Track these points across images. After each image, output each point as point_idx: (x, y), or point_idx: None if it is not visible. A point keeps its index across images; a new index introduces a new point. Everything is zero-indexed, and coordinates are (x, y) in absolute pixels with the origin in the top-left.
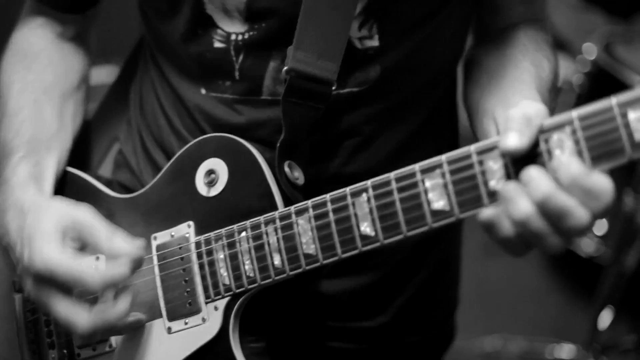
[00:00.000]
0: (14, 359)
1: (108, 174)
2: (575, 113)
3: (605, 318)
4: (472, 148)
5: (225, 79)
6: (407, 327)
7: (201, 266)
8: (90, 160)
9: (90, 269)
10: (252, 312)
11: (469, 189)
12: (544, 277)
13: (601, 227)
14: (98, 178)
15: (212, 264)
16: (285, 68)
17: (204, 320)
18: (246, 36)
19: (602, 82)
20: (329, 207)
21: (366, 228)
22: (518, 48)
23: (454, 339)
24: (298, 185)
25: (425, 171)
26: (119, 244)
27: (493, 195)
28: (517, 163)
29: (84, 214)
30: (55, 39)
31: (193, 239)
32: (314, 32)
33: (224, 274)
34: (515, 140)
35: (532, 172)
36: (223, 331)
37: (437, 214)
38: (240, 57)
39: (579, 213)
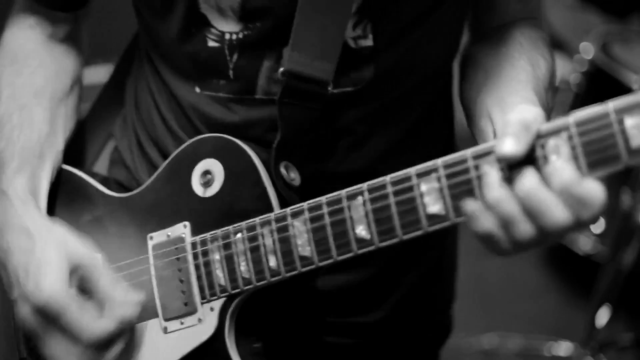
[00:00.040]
0: (11, 356)
1: (104, 171)
2: (572, 119)
3: (603, 316)
4: (469, 152)
5: (219, 78)
6: (404, 322)
7: (197, 267)
8: (85, 157)
9: (92, 321)
10: (248, 312)
11: (464, 194)
12: (542, 275)
13: (598, 225)
14: (93, 175)
15: (207, 264)
16: (282, 70)
17: (199, 320)
18: (240, 35)
19: (599, 82)
20: (325, 209)
21: (362, 231)
22: (514, 46)
23: (451, 333)
24: (294, 186)
25: (421, 175)
26: (119, 298)
27: None
28: (512, 168)
29: (91, 256)
30: (46, 40)
31: (189, 239)
32: (310, 33)
33: (220, 275)
34: (511, 146)
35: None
36: (219, 332)
37: (432, 218)
38: (235, 57)
39: (558, 212)
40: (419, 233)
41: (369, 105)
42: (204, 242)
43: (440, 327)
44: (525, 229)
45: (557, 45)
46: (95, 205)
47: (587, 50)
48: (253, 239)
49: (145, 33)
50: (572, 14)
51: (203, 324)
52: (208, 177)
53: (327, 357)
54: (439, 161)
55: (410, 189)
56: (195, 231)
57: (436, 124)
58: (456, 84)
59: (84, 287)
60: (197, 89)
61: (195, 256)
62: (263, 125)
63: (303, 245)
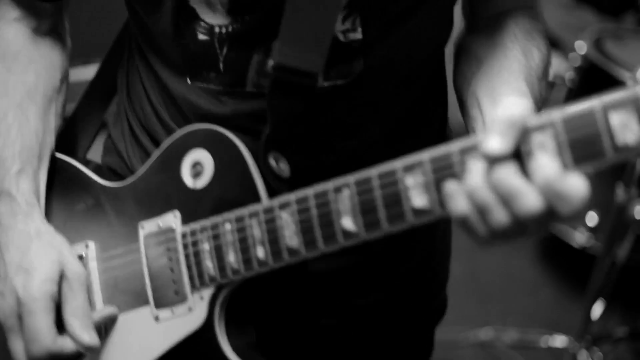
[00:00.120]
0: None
1: (97, 158)
2: (558, 114)
3: (597, 309)
4: (455, 147)
5: (210, 70)
6: (400, 304)
7: (187, 257)
8: (78, 144)
9: (49, 338)
10: (240, 302)
11: None
12: (537, 269)
13: (592, 219)
14: (87, 163)
15: (197, 254)
16: (271, 63)
17: (190, 309)
18: (230, 29)
19: (592, 77)
20: (312, 202)
21: (348, 224)
22: (508, 36)
23: (445, 312)
24: (283, 177)
25: (407, 169)
26: (75, 329)
27: None
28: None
29: (77, 272)
30: (32, 35)
31: (179, 229)
32: (299, 26)
33: (209, 265)
34: (497, 144)
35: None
36: (209, 321)
37: (418, 212)
38: (224, 50)
39: (531, 200)
40: (404, 226)
41: (360, 97)
42: (193, 233)
43: (435, 307)
44: (500, 216)
45: (553, 43)
46: (88, 194)
47: (582, 47)
48: (241, 230)
49: (136, 25)
50: (567, 13)
51: (193, 312)
52: (198, 168)
53: (322, 343)
54: (426, 155)
55: (396, 182)
56: (185, 221)
57: (428, 112)
58: (450, 72)
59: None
60: (188, 81)
61: (185, 246)
62: (253, 117)
63: (290, 236)
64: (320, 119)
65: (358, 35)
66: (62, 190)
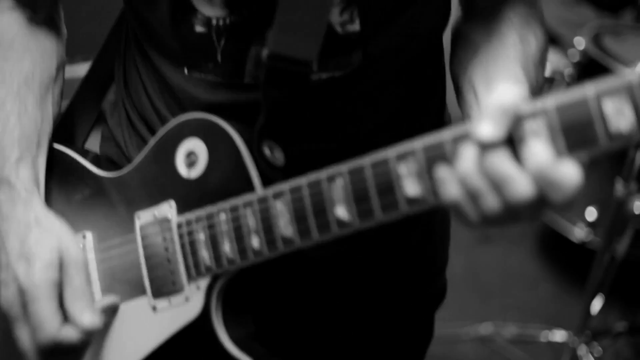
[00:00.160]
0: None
1: (96, 148)
2: (551, 101)
3: (597, 304)
4: (448, 135)
5: (207, 61)
6: (400, 288)
7: (183, 246)
8: (76, 134)
9: (54, 324)
10: (237, 292)
11: None
12: (537, 264)
13: (591, 214)
14: (85, 153)
15: (193, 244)
16: (266, 52)
17: (187, 299)
18: (227, 21)
19: (590, 72)
20: (306, 191)
21: (342, 213)
22: (505, 23)
23: (445, 296)
24: (278, 166)
25: (400, 158)
26: (76, 311)
27: None
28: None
29: (76, 256)
30: (28, 23)
31: (175, 219)
32: (294, 15)
33: (205, 255)
34: (489, 130)
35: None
36: (206, 310)
37: (411, 201)
38: (222, 42)
39: (522, 186)
40: (398, 215)
41: (359, 88)
42: (189, 223)
43: (435, 291)
44: (491, 202)
45: (552, 39)
46: (85, 184)
47: (581, 43)
48: (236, 219)
49: (133, 16)
50: (566, 9)
51: (190, 302)
52: (192, 157)
53: (321, 330)
54: (419, 143)
55: (389, 171)
56: (180, 210)
57: (426, 100)
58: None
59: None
60: (186, 71)
61: (180, 236)
62: (250, 107)
63: (285, 226)
64: (318, 110)
65: (356, 27)
66: (60, 181)
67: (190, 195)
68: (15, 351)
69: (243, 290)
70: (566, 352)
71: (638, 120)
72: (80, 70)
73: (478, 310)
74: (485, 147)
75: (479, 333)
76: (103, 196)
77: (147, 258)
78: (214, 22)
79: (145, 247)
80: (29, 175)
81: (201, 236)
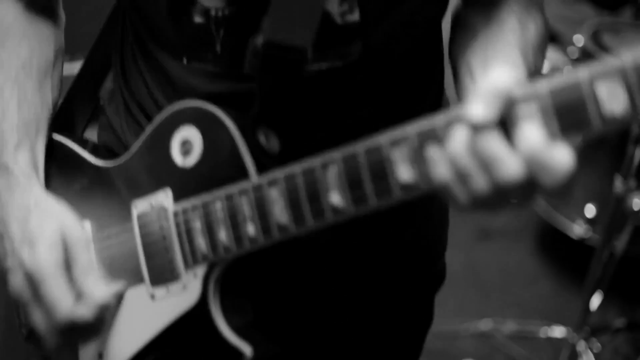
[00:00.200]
0: (11, 322)
1: (95, 136)
2: (544, 85)
3: (596, 301)
4: (441, 120)
5: (207, 52)
6: (400, 270)
7: (179, 235)
8: (75, 123)
9: (67, 301)
10: (235, 280)
11: None
12: (535, 260)
13: (590, 211)
14: (84, 143)
15: (189, 232)
16: (261, 40)
17: (184, 287)
18: (226, 12)
19: None
20: (300, 179)
21: (336, 200)
22: (504, 9)
23: (444, 280)
24: (273, 153)
25: (394, 143)
26: (88, 286)
27: None
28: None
29: (79, 235)
30: (25, 10)
31: (171, 208)
32: (289, 2)
33: (202, 243)
34: (480, 111)
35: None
36: (203, 298)
37: (405, 187)
38: (221, 33)
39: (511, 166)
40: (392, 201)
41: (358, 78)
42: (185, 211)
43: (434, 274)
44: (480, 182)
45: (551, 37)
46: (83, 174)
47: (580, 41)
48: (231, 207)
49: (131, 8)
50: (565, 7)
51: (187, 290)
52: (187, 145)
53: (321, 316)
54: (412, 129)
55: (383, 158)
56: (177, 198)
57: (424, 87)
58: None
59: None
60: (185, 61)
61: (177, 225)
62: (250, 97)
63: (280, 213)
64: (317, 100)
65: (355, 17)
66: (58, 171)
67: (186, 184)
68: (17, 339)
69: (241, 278)
70: (565, 348)
71: (632, 103)
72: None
73: (477, 307)
74: (476, 129)
75: (478, 329)
76: (101, 185)
77: (144, 246)
78: (212, 12)
79: (142, 236)
80: (27, 161)
81: (197, 224)
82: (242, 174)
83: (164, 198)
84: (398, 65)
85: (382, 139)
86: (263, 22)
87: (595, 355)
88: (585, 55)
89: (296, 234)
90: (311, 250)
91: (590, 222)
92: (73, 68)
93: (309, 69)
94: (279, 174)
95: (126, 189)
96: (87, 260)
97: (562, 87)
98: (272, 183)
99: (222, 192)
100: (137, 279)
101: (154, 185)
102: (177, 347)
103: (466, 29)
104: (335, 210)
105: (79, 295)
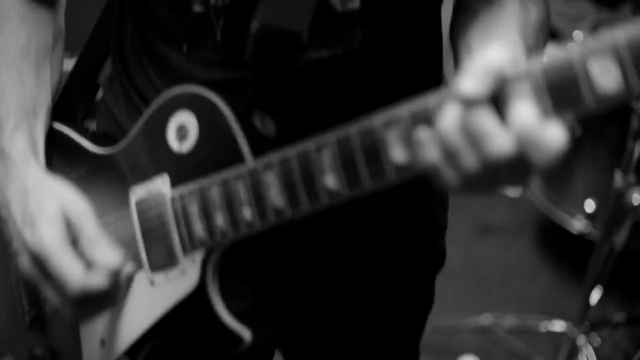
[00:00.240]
0: (13, 310)
1: (94, 124)
2: (537, 63)
3: (596, 296)
4: (434, 100)
5: (207, 40)
6: (401, 251)
7: (177, 220)
8: (75, 110)
9: (77, 272)
10: (234, 265)
11: None
12: (535, 255)
13: (590, 206)
14: (83, 131)
15: (187, 217)
16: (256, 25)
17: (183, 272)
18: (225, 0)
19: None
20: (295, 162)
21: (331, 183)
22: None
23: (445, 262)
24: (269, 137)
25: (386, 125)
26: (98, 254)
27: None
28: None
29: (81, 208)
30: None
31: (168, 194)
32: None
33: (199, 229)
34: (472, 86)
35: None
36: (202, 283)
37: (399, 168)
38: (221, 21)
39: (501, 140)
40: (386, 183)
41: (358, 66)
42: (182, 197)
43: (435, 255)
44: (469, 160)
45: (550, 33)
46: (82, 163)
47: (579, 37)
48: (228, 192)
49: None
50: (565, 3)
51: (186, 276)
52: (183, 130)
53: (321, 298)
54: (405, 110)
55: (377, 140)
56: (174, 184)
57: (423, 72)
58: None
59: (75, 238)
60: (185, 49)
61: (175, 210)
62: (247, 82)
63: (276, 197)
64: (317, 86)
65: (356, 4)
66: (58, 160)
67: (183, 169)
68: (20, 318)
69: (239, 263)
70: (565, 342)
71: (625, 80)
72: None
73: (478, 302)
74: (467, 104)
75: (478, 324)
76: (99, 173)
77: (143, 233)
78: (212, 1)
79: (141, 223)
80: (25, 144)
81: (194, 210)
82: (238, 158)
83: (162, 184)
84: (398, 52)
85: (375, 120)
86: (258, 6)
87: (595, 349)
88: None
89: (292, 217)
90: (311, 233)
91: (590, 217)
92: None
93: (310, 56)
94: (274, 157)
95: (124, 176)
96: (93, 230)
97: (555, 65)
98: (267, 167)
99: (218, 177)
100: (136, 265)
101: (152, 171)
102: (178, 332)
103: (467, 12)
104: (330, 193)
105: (89, 265)
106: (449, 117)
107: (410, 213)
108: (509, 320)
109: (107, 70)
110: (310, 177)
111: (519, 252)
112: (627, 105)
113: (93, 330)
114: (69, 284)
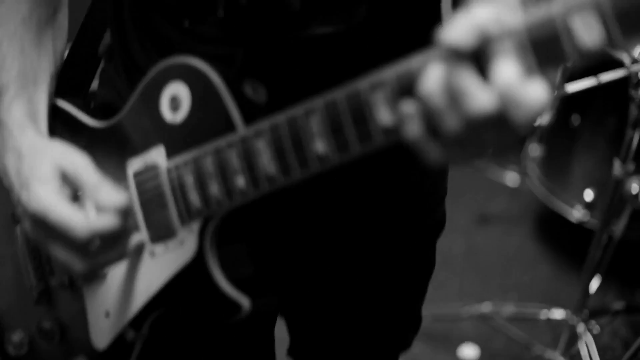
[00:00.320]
0: (21, 286)
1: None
2: (520, 19)
3: (595, 284)
4: (419, 61)
5: (209, 15)
6: (401, 216)
7: (173, 191)
8: (78, 82)
9: (79, 218)
10: (231, 233)
11: None
12: (535, 244)
13: (589, 195)
14: (82, 106)
15: (182, 188)
16: None
17: (181, 242)
18: None
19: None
20: (284, 128)
21: (321, 148)
22: None
23: (444, 226)
24: (260, 104)
25: (373, 88)
26: (104, 196)
27: None
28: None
29: (78, 160)
30: None
31: (164, 165)
32: None
33: (195, 198)
34: (455, 36)
35: None
36: (200, 253)
37: (387, 131)
38: None
39: (481, 96)
40: (375, 146)
41: (361, 42)
42: (177, 167)
43: (435, 220)
44: (450, 120)
45: None
46: (80, 137)
47: None
48: (221, 161)
49: None
50: None
51: (185, 245)
52: (176, 101)
53: (321, 266)
54: (391, 72)
55: (364, 103)
56: (169, 155)
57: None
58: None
59: (76, 190)
60: (186, 24)
61: (171, 181)
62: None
63: (267, 164)
64: (317, 61)
65: None
66: (58, 135)
67: (177, 140)
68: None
69: (237, 231)
70: (565, 330)
71: (607, 34)
72: None
73: (478, 290)
74: (449, 60)
75: (478, 312)
76: (98, 146)
77: (142, 205)
78: None
79: (139, 194)
80: (22, 112)
81: (190, 180)
82: (230, 126)
83: (157, 155)
84: (401, 26)
85: (361, 84)
86: None
87: (594, 337)
88: None
89: (285, 184)
90: (311, 197)
91: (588, 206)
92: None
93: (314, 31)
94: (265, 124)
95: (121, 148)
96: (93, 177)
97: (537, 22)
98: (258, 134)
99: (211, 146)
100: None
101: (147, 143)
102: (179, 302)
103: None
104: (320, 158)
105: (98, 209)
106: (432, 77)
107: (410, 183)
108: (509, 309)
109: (107, 40)
110: (300, 143)
111: (518, 241)
112: (626, 94)
113: (98, 303)
114: (73, 230)
